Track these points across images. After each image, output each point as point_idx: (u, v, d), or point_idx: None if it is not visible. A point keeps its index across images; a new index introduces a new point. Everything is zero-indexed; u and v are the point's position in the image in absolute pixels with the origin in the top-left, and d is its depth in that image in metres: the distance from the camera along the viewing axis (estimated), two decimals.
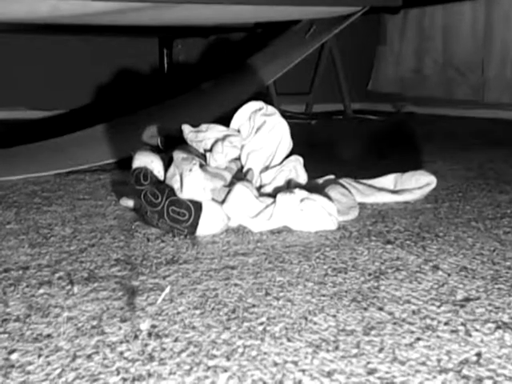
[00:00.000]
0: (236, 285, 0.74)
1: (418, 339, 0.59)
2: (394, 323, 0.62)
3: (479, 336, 0.59)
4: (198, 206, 0.95)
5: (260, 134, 1.11)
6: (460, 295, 0.70)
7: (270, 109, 1.16)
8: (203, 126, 1.14)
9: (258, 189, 1.08)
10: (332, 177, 1.23)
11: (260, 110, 1.15)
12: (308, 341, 0.59)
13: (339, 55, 3.03)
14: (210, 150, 1.09)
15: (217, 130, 1.12)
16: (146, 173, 1.01)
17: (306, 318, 0.64)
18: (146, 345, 0.58)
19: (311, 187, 1.09)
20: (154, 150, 1.11)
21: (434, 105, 3.30)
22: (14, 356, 0.56)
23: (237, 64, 2.60)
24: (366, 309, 0.66)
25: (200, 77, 2.90)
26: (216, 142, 1.09)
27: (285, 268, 0.80)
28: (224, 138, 1.09)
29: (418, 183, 1.21)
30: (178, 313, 0.66)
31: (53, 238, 0.95)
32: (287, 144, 1.13)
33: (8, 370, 0.53)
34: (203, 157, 1.10)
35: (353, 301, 0.69)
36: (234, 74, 2.55)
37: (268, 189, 1.09)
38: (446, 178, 1.41)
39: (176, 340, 0.59)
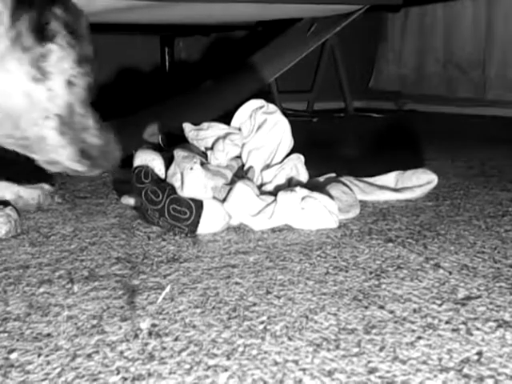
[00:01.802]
0: (237, 283, 0.74)
1: (419, 338, 0.59)
2: (395, 322, 0.62)
3: (480, 335, 0.59)
4: (198, 205, 0.94)
5: (261, 132, 1.11)
6: (461, 294, 0.70)
7: (271, 107, 1.15)
8: (204, 125, 1.14)
9: (259, 187, 1.08)
10: (333, 175, 1.23)
11: (261, 108, 1.15)
12: (309, 340, 0.58)
13: (340, 53, 3.03)
14: (211, 148, 1.09)
15: (218, 128, 1.12)
16: (146, 171, 1.01)
17: (306, 317, 0.64)
18: (147, 344, 0.58)
19: (312, 185, 1.09)
20: (156, 148, 1.11)
21: (436, 103, 3.30)
22: (13, 355, 0.56)
23: (238, 62, 2.60)
24: (366, 307, 0.66)
25: (201, 75, 2.90)
26: (217, 140, 1.09)
27: (286, 266, 0.80)
28: (225, 136, 1.09)
29: (419, 181, 1.21)
30: (179, 312, 0.65)
31: (53, 236, 0.95)
32: (288, 142, 1.13)
33: (8, 369, 0.53)
34: (204, 155, 1.10)
35: (354, 299, 0.68)
36: (235, 72, 2.55)
37: (269, 187, 1.09)
38: (447, 175, 1.41)
39: (176, 339, 0.59)
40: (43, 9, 0.88)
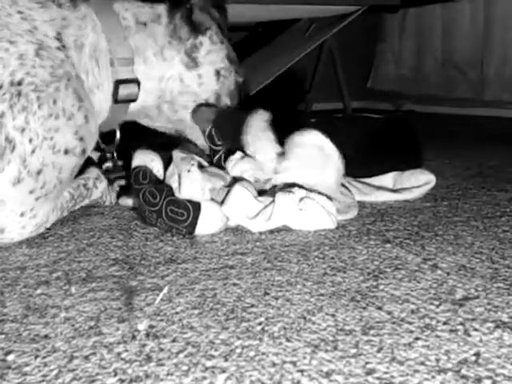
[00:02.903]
0: (234, 284, 0.74)
1: (417, 339, 0.59)
2: (393, 323, 0.62)
3: (478, 335, 0.59)
4: (196, 206, 0.94)
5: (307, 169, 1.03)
6: (459, 294, 0.70)
7: (330, 147, 1.08)
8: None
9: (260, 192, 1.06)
10: None
11: (320, 146, 1.07)
12: (306, 341, 0.58)
13: (339, 54, 3.03)
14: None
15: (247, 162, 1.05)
16: (145, 172, 1.01)
17: (304, 318, 0.64)
18: (144, 345, 0.58)
19: None
20: (155, 148, 1.11)
21: (434, 103, 3.30)
22: (10, 357, 0.56)
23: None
24: (364, 308, 0.66)
25: None
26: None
27: (283, 267, 0.80)
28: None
29: (418, 182, 1.21)
30: (176, 313, 0.65)
31: (51, 237, 0.95)
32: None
33: (4, 371, 0.53)
34: (207, 156, 1.09)
35: (352, 300, 0.68)
36: None
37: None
38: (445, 176, 1.41)
39: (174, 340, 0.59)
40: (196, 6, 1.04)
